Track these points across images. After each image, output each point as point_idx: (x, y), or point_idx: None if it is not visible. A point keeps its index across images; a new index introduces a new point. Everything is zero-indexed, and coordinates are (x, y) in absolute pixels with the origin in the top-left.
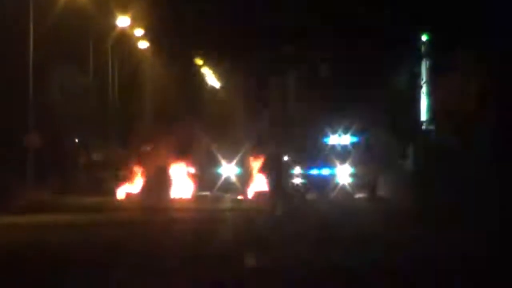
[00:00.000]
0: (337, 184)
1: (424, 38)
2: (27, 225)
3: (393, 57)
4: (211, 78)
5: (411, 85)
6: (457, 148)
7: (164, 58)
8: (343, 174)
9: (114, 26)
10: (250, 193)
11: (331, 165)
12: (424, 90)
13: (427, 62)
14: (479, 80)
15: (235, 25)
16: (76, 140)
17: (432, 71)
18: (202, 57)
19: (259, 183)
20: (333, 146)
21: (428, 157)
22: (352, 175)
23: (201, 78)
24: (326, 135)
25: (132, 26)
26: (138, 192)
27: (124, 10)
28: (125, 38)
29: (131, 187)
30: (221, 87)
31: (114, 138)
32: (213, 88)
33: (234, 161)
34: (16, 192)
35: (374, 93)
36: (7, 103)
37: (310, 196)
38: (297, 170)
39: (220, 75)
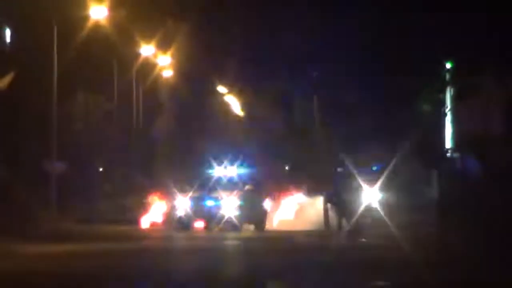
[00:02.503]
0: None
1: (448, 65)
2: (49, 254)
3: (417, 84)
4: (236, 107)
5: (436, 113)
6: (482, 176)
7: (188, 85)
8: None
9: (138, 54)
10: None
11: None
12: (448, 117)
13: (452, 89)
14: (504, 105)
15: (259, 51)
16: (100, 169)
17: (456, 98)
18: (226, 85)
19: None
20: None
21: (453, 185)
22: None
23: (225, 106)
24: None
25: (156, 54)
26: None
27: (149, 39)
28: (149, 66)
29: (155, 216)
30: (245, 116)
31: (138, 166)
32: (237, 116)
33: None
34: (39, 220)
35: (398, 119)
36: (31, 129)
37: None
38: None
39: (244, 104)
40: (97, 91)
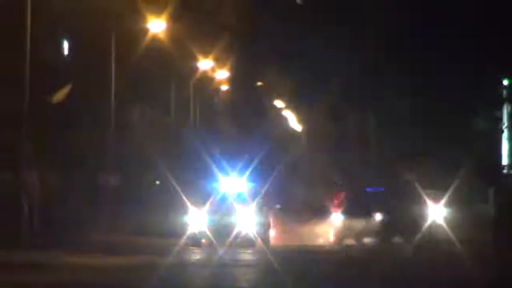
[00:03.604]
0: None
1: (505, 82)
2: (96, 265)
3: (475, 101)
4: (293, 121)
5: (493, 129)
6: None
7: (245, 99)
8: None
9: (196, 68)
10: None
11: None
12: (505, 134)
13: (509, 107)
14: None
15: (314, 66)
16: (157, 182)
17: None
18: (283, 99)
19: None
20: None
21: (510, 201)
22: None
23: (283, 120)
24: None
25: (214, 69)
26: None
27: (206, 53)
28: (207, 80)
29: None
30: (303, 130)
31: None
32: (294, 131)
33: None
34: (90, 231)
35: (454, 135)
36: (87, 141)
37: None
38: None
39: (301, 118)
40: (154, 104)
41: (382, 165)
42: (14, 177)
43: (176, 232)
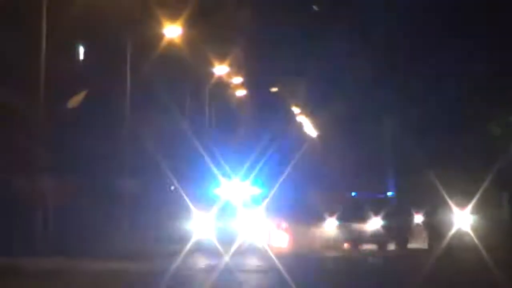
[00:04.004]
0: None
1: None
2: (112, 272)
3: (489, 105)
4: (308, 127)
5: (506, 135)
6: None
7: (260, 105)
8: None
9: (211, 73)
10: None
11: None
12: None
13: None
14: None
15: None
16: (172, 187)
17: None
18: (299, 105)
19: None
20: None
21: None
22: None
23: (298, 126)
24: None
25: (229, 74)
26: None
27: (222, 58)
28: (222, 85)
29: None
30: (318, 136)
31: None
32: (310, 137)
33: None
34: (110, 239)
35: (469, 141)
36: (102, 148)
37: None
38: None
39: (317, 123)
40: (170, 110)
41: (402, 171)
42: (29, 183)
43: (184, 238)
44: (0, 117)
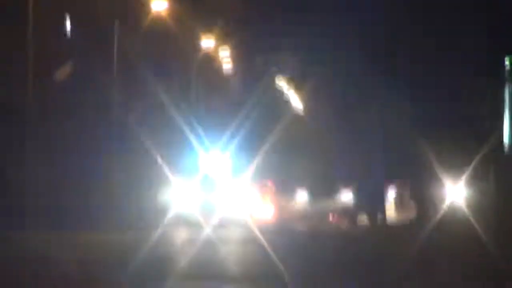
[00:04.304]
0: None
1: (507, 62)
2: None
3: (475, 81)
4: (295, 100)
5: (494, 110)
6: None
7: (248, 78)
8: None
9: (199, 48)
10: None
11: None
12: (507, 115)
13: (510, 87)
14: None
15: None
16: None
17: None
18: (285, 78)
19: None
20: None
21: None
22: None
23: (285, 100)
24: None
25: (216, 47)
26: None
27: (208, 32)
28: (209, 59)
29: None
30: (304, 110)
31: None
32: (296, 110)
33: None
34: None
35: (454, 117)
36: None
37: None
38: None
39: (303, 97)
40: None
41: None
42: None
43: (167, 211)
44: None
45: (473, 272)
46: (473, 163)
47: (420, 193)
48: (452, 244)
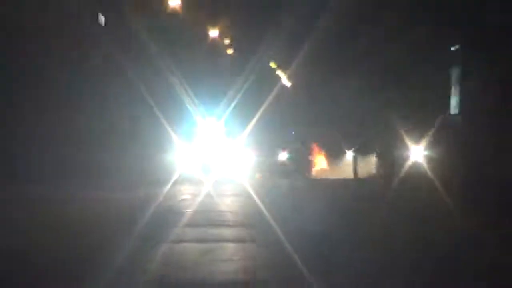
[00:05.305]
0: None
1: (453, 47)
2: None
3: (423, 62)
4: (284, 79)
5: (444, 87)
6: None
7: (246, 63)
8: None
9: (205, 36)
10: None
11: None
12: (452, 93)
13: (456, 69)
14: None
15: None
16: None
17: (460, 77)
18: (276, 60)
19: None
20: None
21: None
22: None
23: (276, 79)
24: None
25: (220, 37)
26: None
27: (213, 23)
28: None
29: None
30: (292, 86)
31: None
32: (285, 87)
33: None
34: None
35: (402, 96)
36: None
37: None
38: None
39: (290, 75)
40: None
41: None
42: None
43: (170, 170)
44: None
45: (427, 206)
46: (430, 132)
47: (390, 155)
48: (413, 191)
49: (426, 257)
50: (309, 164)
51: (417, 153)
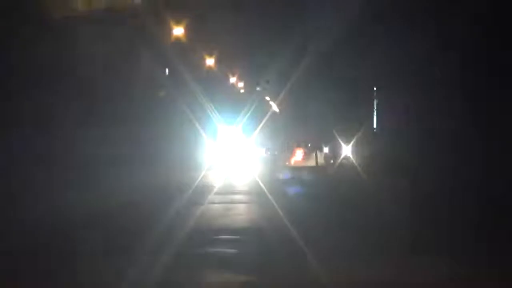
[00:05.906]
0: None
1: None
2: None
3: (358, 97)
4: (273, 104)
5: (370, 111)
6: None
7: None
8: None
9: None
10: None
11: None
12: (375, 114)
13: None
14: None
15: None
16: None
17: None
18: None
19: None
20: None
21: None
22: None
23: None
24: None
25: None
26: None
27: (233, 72)
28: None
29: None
30: (280, 111)
31: None
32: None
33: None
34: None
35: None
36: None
37: None
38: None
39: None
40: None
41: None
42: None
43: (200, 166)
44: None
45: (349, 176)
46: (357, 135)
47: (332, 151)
48: (345, 174)
49: (346, 197)
50: (288, 157)
51: (348, 149)
